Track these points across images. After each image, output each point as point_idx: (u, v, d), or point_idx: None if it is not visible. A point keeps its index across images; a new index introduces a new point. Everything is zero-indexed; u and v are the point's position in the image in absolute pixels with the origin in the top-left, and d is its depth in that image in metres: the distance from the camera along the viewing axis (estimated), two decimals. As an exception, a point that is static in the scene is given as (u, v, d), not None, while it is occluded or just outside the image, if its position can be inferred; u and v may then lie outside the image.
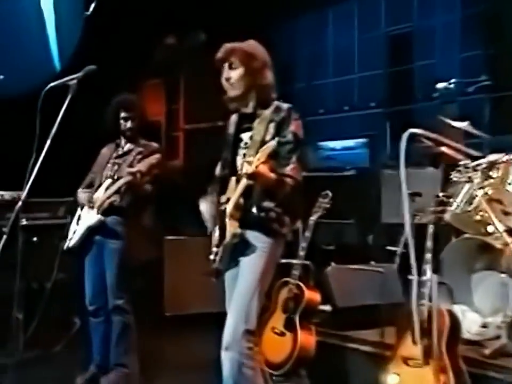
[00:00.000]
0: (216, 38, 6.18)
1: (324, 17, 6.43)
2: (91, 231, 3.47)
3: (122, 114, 3.56)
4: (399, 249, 3.97)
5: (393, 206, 4.60)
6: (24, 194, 2.39)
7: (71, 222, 3.63)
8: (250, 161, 2.42)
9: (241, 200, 2.55)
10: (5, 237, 2.38)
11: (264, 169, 2.43)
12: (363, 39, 6.13)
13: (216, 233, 2.67)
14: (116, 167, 3.59)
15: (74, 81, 2.51)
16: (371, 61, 6.02)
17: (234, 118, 2.78)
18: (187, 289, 4.85)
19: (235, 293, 2.57)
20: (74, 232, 3.54)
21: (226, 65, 2.64)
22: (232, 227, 2.55)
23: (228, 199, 2.62)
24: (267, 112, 2.60)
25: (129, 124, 3.57)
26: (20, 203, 2.40)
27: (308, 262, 3.49)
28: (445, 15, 5.56)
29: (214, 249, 2.65)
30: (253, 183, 2.50)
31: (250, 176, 2.42)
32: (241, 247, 2.58)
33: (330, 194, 3.49)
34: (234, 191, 2.58)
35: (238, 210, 2.56)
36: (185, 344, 4.26)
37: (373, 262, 3.80)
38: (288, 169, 2.51)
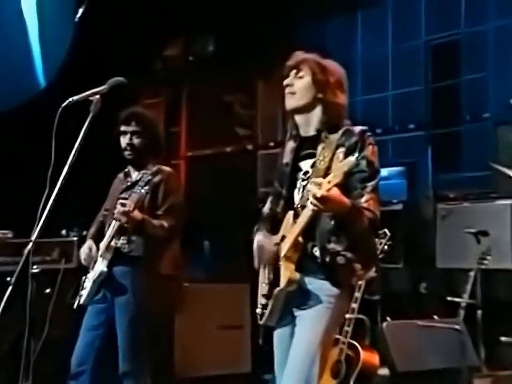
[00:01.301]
0: (227, 47, 6.37)
1: (351, 23, 6.44)
2: (99, 284, 3.41)
3: (122, 128, 3.48)
4: (463, 301, 3.89)
5: (450, 248, 4.55)
6: (35, 234, 2.30)
7: (65, 268, 3.58)
8: (319, 183, 2.33)
9: (300, 239, 2.47)
10: (10, 288, 2.28)
11: (337, 193, 2.34)
12: (399, 49, 6.13)
13: (265, 281, 2.59)
14: None
15: (97, 96, 2.42)
16: (409, 75, 6.00)
17: (291, 144, 2.73)
18: (201, 346, 4.79)
19: (291, 356, 2.48)
20: (84, 288, 3.49)
21: (293, 72, 2.63)
22: (288, 271, 2.47)
23: (283, 238, 2.55)
24: (334, 136, 2.55)
25: (128, 140, 3.48)
26: (30, 246, 2.30)
27: (362, 317, 3.39)
28: (499, 18, 5.56)
29: (263, 300, 2.58)
30: (317, 216, 2.41)
31: (320, 200, 2.31)
32: (298, 299, 2.50)
33: (388, 233, 3.42)
34: (292, 228, 2.51)
35: (296, 250, 2.48)
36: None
37: (435, 317, 3.71)
38: (363, 201, 2.43)
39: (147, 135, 3.52)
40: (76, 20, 6.03)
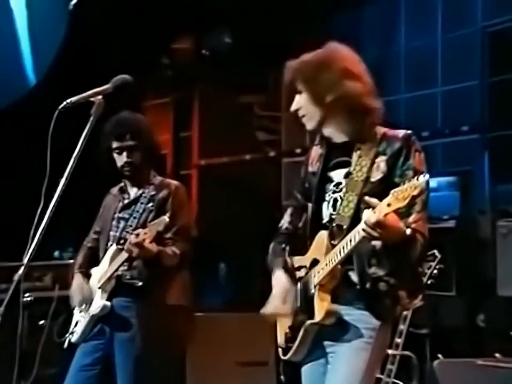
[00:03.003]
0: (246, 39, 6.40)
1: (393, 9, 6.45)
2: (97, 320, 3.46)
3: (115, 145, 3.51)
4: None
5: (514, 273, 4.53)
6: (27, 258, 2.33)
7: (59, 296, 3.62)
8: (373, 204, 2.31)
9: (339, 265, 2.49)
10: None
11: (395, 219, 2.33)
12: (450, 38, 6.12)
13: (287, 308, 2.62)
14: (121, 224, 3.58)
15: (100, 97, 2.46)
16: (461, 68, 6.00)
17: (318, 150, 2.76)
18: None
19: None
20: (76, 323, 3.54)
21: (296, 94, 2.67)
22: (324, 302, 2.48)
23: (314, 261, 2.57)
24: (373, 141, 2.57)
25: (125, 158, 3.52)
26: (20, 271, 2.33)
27: (408, 353, 3.39)
28: None
29: (287, 333, 2.62)
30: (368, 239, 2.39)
31: (374, 226, 2.29)
32: (332, 332, 2.52)
33: (438, 255, 3.42)
34: (326, 251, 2.52)
35: (333, 278, 2.49)
36: None
37: (498, 355, 3.69)
38: (410, 221, 2.44)
39: (145, 147, 3.56)
40: (69, 9, 6.11)
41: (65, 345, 3.56)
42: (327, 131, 2.67)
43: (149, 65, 6.74)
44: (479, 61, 5.84)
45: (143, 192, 3.58)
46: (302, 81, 2.63)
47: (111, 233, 3.58)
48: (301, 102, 2.64)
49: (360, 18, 6.48)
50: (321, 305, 2.48)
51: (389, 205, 2.26)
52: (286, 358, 2.64)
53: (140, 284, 3.46)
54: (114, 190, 3.71)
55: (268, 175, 6.80)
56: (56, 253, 5.43)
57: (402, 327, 3.41)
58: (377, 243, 2.43)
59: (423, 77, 6.22)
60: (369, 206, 2.35)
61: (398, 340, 3.39)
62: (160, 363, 3.55)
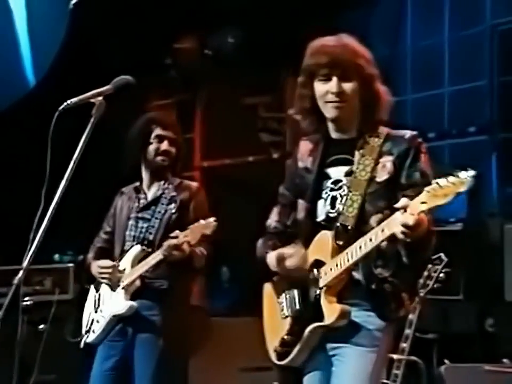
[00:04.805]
0: (250, 38, 6.40)
1: (400, 8, 6.46)
2: (118, 321, 3.49)
3: (158, 132, 3.56)
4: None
5: (522, 277, 4.52)
6: (26, 261, 2.34)
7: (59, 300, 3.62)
8: (404, 206, 2.26)
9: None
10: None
11: (424, 217, 2.29)
12: (458, 37, 6.13)
13: (287, 312, 2.63)
14: (141, 225, 3.61)
15: (100, 98, 2.48)
16: (469, 68, 6.00)
17: (307, 144, 2.74)
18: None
19: None
20: (92, 322, 3.56)
21: (334, 74, 2.56)
22: (334, 303, 2.47)
23: (318, 263, 2.56)
24: (375, 141, 2.57)
25: (166, 146, 3.58)
26: (20, 274, 2.35)
27: (415, 359, 3.40)
28: None
29: (286, 337, 2.62)
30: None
31: (412, 228, 2.24)
32: (337, 334, 2.52)
33: (445, 259, 3.44)
34: (333, 252, 2.51)
35: (342, 280, 2.49)
36: None
37: (506, 360, 3.70)
38: None
39: (179, 145, 3.68)
40: (69, 9, 6.13)
41: (82, 345, 3.59)
42: (337, 122, 2.63)
43: (151, 65, 6.75)
44: (488, 61, 5.84)
45: (163, 193, 3.64)
46: (355, 69, 2.54)
47: (128, 233, 3.63)
48: (347, 88, 2.54)
49: (366, 17, 6.47)
50: (332, 307, 2.48)
51: (423, 203, 2.18)
52: (283, 363, 2.63)
53: (165, 285, 3.52)
54: (128, 189, 3.76)
55: (271, 176, 6.76)
56: (56, 256, 5.44)
57: (408, 331, 3.42)
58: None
59: (430, 77, 6.22)
60: (374, 207, 2.40)
61: (404, 345, 3.40)
62: (181, 365, 3.57)
